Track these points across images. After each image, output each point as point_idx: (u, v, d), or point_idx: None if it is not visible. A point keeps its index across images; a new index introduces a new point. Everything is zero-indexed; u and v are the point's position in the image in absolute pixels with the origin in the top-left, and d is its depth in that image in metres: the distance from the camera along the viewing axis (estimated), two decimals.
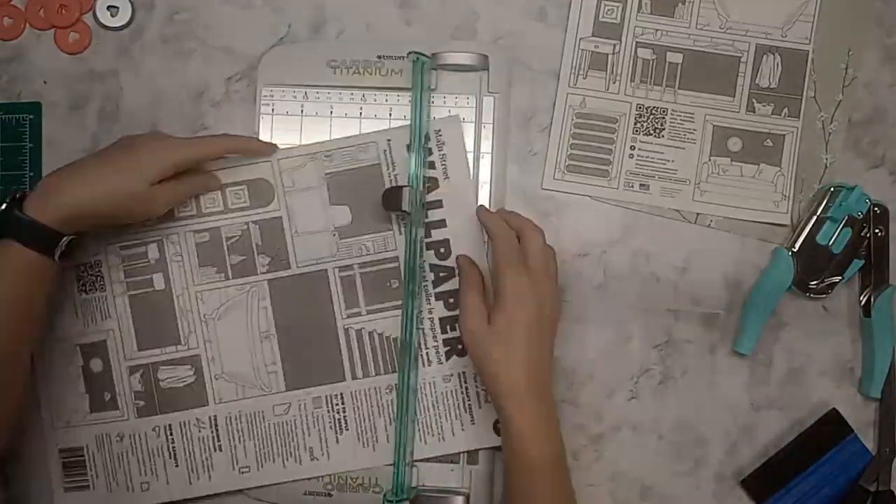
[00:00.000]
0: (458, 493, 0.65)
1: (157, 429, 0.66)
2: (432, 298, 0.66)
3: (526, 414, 0.57)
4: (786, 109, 0.68)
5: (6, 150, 0.68)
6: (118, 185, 0.58)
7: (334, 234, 0.66)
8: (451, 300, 0.66)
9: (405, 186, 0.64)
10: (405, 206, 0.64)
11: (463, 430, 0.66)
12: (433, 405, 0.66)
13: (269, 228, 0.66)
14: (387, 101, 0.67)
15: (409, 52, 0.65)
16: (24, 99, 0.69)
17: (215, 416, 0.66)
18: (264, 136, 0.67)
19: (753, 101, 0.68)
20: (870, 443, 0.66)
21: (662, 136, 0.68)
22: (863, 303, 0.67)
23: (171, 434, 0.66)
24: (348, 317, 0.66)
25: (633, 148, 0.68)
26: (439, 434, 0.65)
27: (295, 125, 0.67)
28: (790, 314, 0.67)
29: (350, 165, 0.66)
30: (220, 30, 0.69)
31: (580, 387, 0.67)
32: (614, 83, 0.68)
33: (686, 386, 0.67)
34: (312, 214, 0.66)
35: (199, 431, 0.66)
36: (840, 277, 0.66)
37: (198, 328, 0.66)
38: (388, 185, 0.66)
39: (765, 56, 0.68)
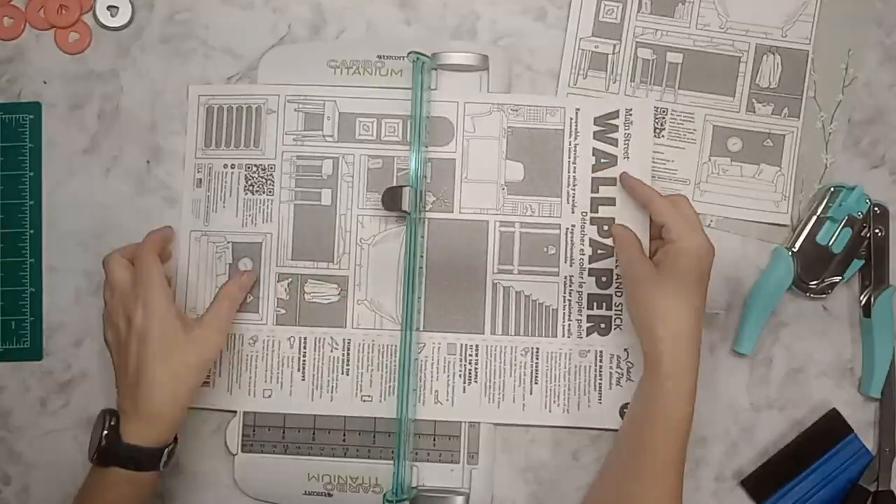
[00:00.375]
0: (458, 493, 0.65)
1: (291, 339, 0.66)
2: (586, 273, 0.66)
3: (685, 365, 0.57)
4: (786, 109, 0.68)
5: (6, 150, 0.68)
6: (189, 377, 0.59)
7: (503, 189, 0.66)
8: (604, 279, 0.66)
9: (405, 186, 0.64)
10: (405, 207, 0.64)
11: (589, 406, 0.66)
12: (564, 376, 0.66)
13: (441, 168, 0.67)
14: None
15: (410, 52, 0.65)
16: (24, 99, 0.69)
17: (350, 339, 0.66)
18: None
19: (753, 101, 0.68)
20: (870, 443, 0.66)
21: (662, 136, 0.68)
22: (863, 303, 0.67)
23: (305, 348, 0.66)
24: (499, 272, 0.66)
25: None
26: (565, 406, 0.66)
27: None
28: (790, 314, 0.67)
29: (534, 124, 0.67)
30: (220, 30, 0.69)
31: None
32: (614, 83, 0.68)
33: None
34: (486, 164, 0.67)
35: (332, 351, 0.66)
36: (840, 277, 0.66)
37: (352, 250, 0.66)
38: (565, 153, 0.66)
39: (765, 56, 0.68)
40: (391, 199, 0.64)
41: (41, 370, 0.68)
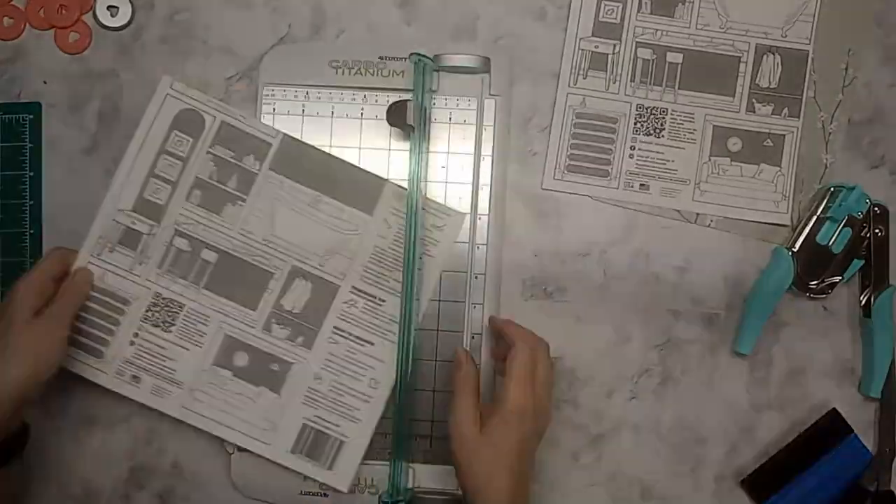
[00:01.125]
0: (455, 495, 0.65)
1: None
2: None
3: None
4: (786, 109, 0.68)
5: (6, 150, 0.68)
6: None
7: None
8: None
9: (409, 101, 0.64)
10: (409, 121, 0.64)
11: None
12: None
13: None
14: (388, 101, 0.67)
15: (412, 54, 0.65)
16: (24, 99, 0.69)
17: None
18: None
19: (753, 101, 0.68)
20: (870, 443, 0.66)
21: (662, 136, 0.68)
22: (863, 303, 0.67)
23: None
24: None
25: (633, 148, 0.68)
26: None
27: (296, 125, 0.67)
28: (790, 314, 0.67)
29: None
30: (220, 30, 0.69)
31: (580, 387, 0.67)
32: (614, 83, 0.68)
33: (686, 386, 0.67)
34: None
35: None
36: (840, 277, 0.66)
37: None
38: None
39: (765, 56, 0.68)
40: (396, 115, 0.64)
41: None
